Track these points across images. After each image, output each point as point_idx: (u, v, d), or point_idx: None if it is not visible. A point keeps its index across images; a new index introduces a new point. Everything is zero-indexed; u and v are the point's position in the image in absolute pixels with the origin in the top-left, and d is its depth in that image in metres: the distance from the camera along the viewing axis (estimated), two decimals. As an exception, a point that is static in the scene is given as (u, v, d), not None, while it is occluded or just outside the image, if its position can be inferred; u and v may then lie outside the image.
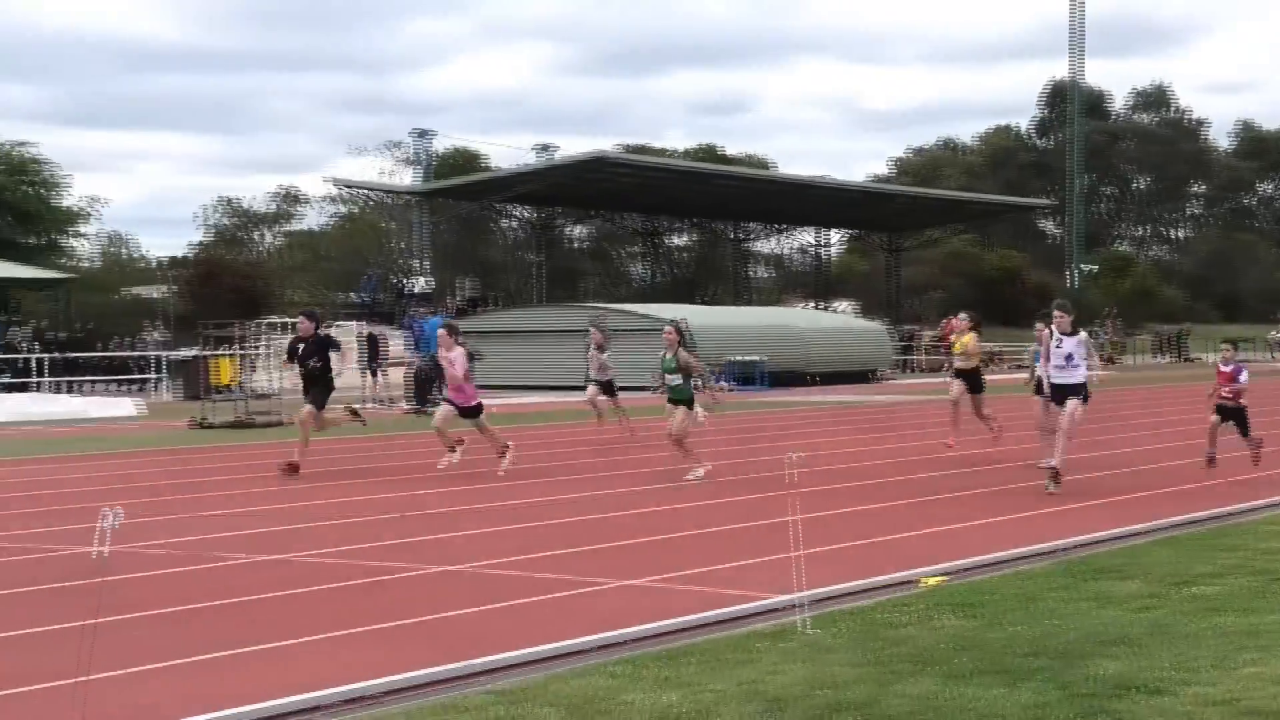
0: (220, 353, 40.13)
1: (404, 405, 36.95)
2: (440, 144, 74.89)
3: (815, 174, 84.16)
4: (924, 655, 8.37)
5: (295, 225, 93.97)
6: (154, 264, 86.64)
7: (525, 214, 78.61)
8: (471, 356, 19.27)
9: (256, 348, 43.41)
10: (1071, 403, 16.55)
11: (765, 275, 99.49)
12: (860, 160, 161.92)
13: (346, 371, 44.13)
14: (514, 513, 15.45)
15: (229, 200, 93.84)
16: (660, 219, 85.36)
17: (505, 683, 7.98)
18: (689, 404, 18.70)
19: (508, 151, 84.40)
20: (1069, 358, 16.60)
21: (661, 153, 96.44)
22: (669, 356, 18.69)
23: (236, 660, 8.63)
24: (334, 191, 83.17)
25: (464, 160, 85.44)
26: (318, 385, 20.27)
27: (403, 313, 56.48)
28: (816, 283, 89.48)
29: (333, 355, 20.40)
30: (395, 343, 44.15)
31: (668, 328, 19.22)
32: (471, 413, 19.67)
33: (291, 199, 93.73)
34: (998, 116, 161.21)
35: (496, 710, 7.33)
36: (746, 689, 7.67)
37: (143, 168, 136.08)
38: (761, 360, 48.03)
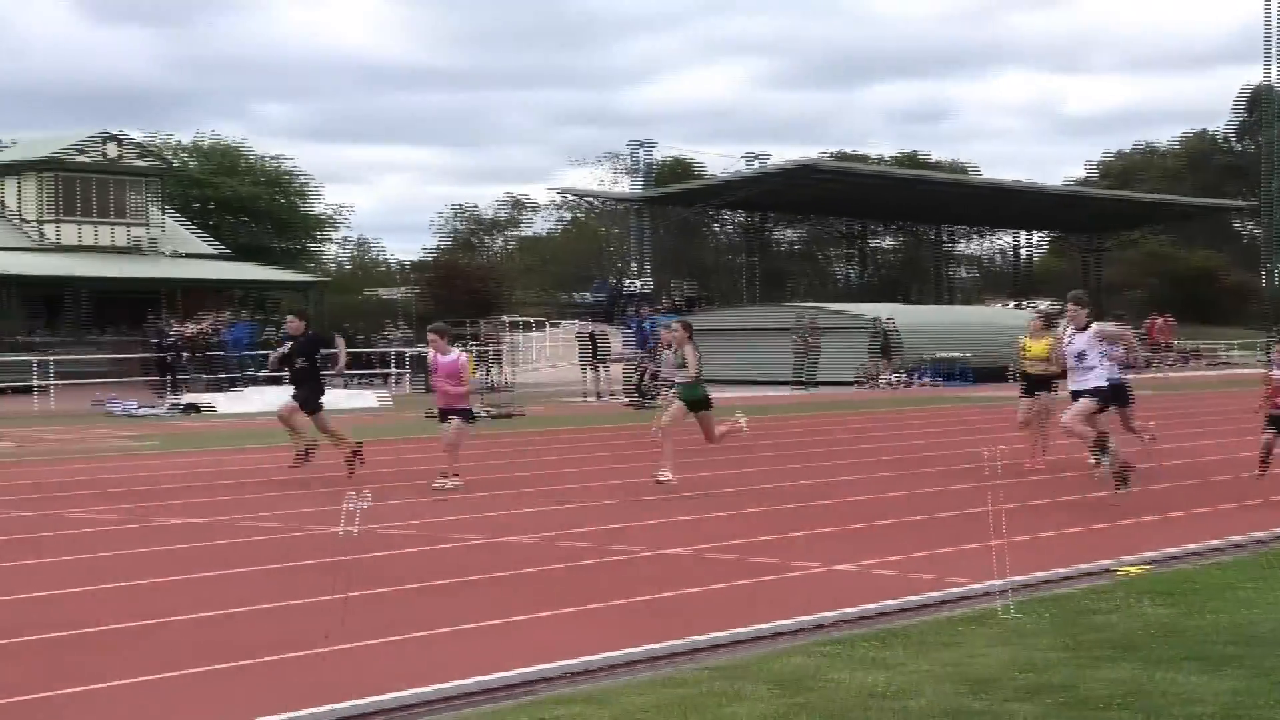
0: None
1: (624, 399, 37.22)
2: (658, 154, 75.31)
3: (1015, 178, 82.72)
4: (1124, 641, 8.18)
5: (523, 231, 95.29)
6: (395, 267, 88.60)
7: (738, 218, 78.62)
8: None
9: (487, 345, 44.22)
10: (1081, 403, 14.68)
11: (966, 275, 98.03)
12: (1059, 165, 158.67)
13: (566, 367, 45.03)
14: (723, 500, 15.46)
15: (462, 208, 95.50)
16: (865, 222, 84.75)
17: (721, 659, 8.00)
18: (703, 404, 16.76)
19: (721, 160, 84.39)
20: (1080, 356, 14.58)
21: (866, 160, 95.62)
22: (677, 354, 16.92)
23: (471, 633, 8.78)
24: (558, 199, 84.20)
25: (680, 169, 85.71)
26: (306, 385, 18.33)
27: (622, 312, 56.95)
28: (1016, 282, 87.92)
29: (335, 352, 18.87)
30: (615, 340, 44.58)
31: (674, 324, 17.36)
32: (459, 413, 17.24)
33: (519, 206, 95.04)
34: (1195, 121, 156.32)
35: (713, 685, 7.34)
36: (950, 670, 7.58)
37: (385, 178, 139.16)
38: (965, 357, 47.42)
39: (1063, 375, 16.98)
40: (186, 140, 73.19)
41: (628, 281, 64.86)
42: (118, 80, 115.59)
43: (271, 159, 72.34)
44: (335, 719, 6.79)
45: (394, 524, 13.36)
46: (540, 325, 55.63)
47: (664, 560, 11.59)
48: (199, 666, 7.93)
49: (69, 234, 51.23)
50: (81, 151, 52.04)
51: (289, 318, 19.69)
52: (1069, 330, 14.77)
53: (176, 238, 54.87)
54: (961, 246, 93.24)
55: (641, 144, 71.93)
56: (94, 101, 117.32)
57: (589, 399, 38.71)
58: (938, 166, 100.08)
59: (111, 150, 52.78)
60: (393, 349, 46.45)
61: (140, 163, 53.93)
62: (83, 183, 51.86)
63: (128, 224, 52.75)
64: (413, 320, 55.67)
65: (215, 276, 53.06)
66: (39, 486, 17.60)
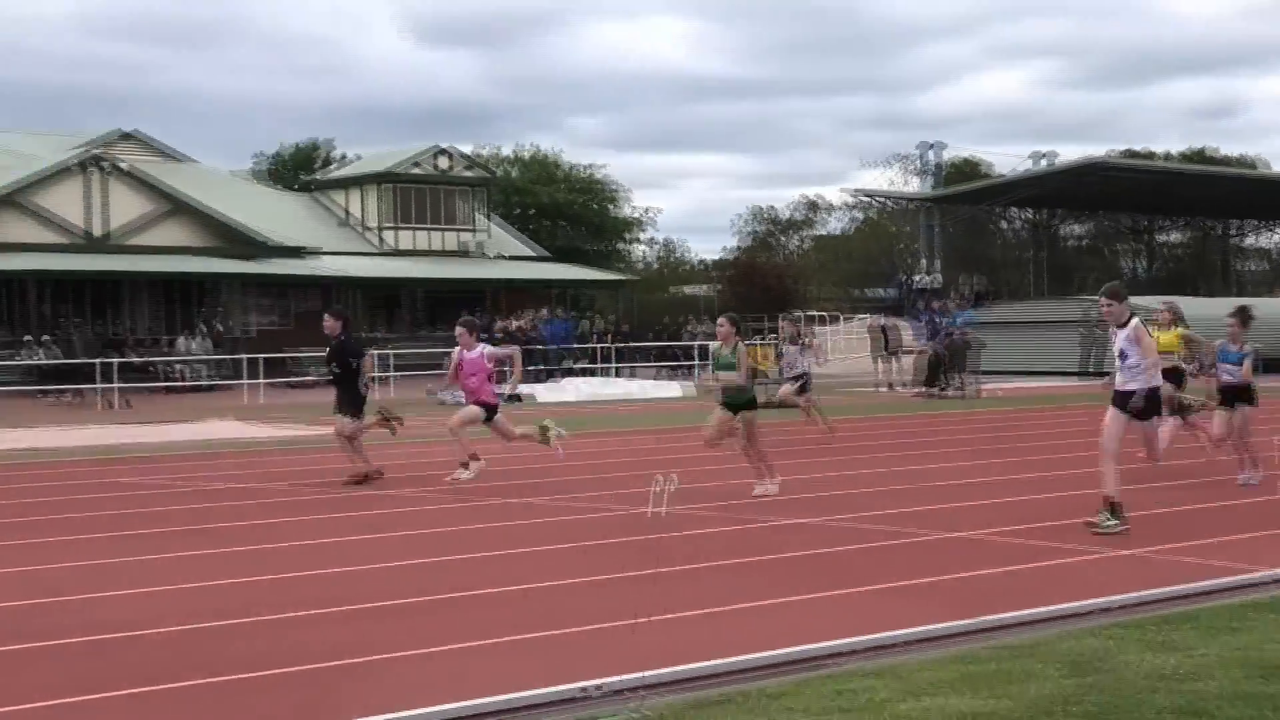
0: (754, 342, 41.04)
1: (914, 389, 36.74)
2: (946, 155, 74.04)
3: (1307, 172, 78.61)
4: None
5: (818, 230, 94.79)
6: (698, 265, 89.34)
7: (1025, 215, 76.79)
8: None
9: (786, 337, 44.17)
10: (1149, 425, 12.17)
11: (1256, 269, 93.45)
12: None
13: (859, 359, 44.67)
14: (1011, 486, 15.11)
15: (760, 209, 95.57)
16: (1152, 217, 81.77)
17: (1012, 639, 7.82)
18: (748, 407, 14.68)
19: (1009, 159, 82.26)
20: (1122, 356, 12.04)
21: (1152, 156, 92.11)
22: (726, 352, 14.69)
23: (772, 609, 8.78)
24: (851, 199, 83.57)
25: (968, 169, 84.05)
26: (341, 389, 16.88)
27: (912, 305, 56.25)
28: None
29: (363, 362, 16.91)
30: (906, 333, 44.09)
31: (721, 320, 15.00)
32: (481, 405, 16.13)
33: (814, 207, 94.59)
34: None
35: (1004, 663, 7.19)
36: (1240, 655, 7.25)
37: (689, 183, 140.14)
38: (1256, 348, 45.30)
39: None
40: (508, 152, 75.24)
41: (917, 277, 64.03)
42: (447, 98, 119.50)
43: (585, 168, 73.75)
44: (643, 685, 6.87)
45: (700, 505, 13.45)
46: (834, 319, 55.37)
47: (955, 543, 11.39)
48: (515, 635, 8.13)
49: (405, 239, 53.17)
50: (416, 165, 53.93)
51: (325, 317, 17.50)
52: (1111, 329, 12.37)
53: (500, 241, 56.38)
54: (1251, 240, 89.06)
55: (931, 145, 70.88)
56: (427, 118, 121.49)
57: (881, 389, 38.35)
58: (1226, 162, 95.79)
59: (442, 163, 54.54)
60: (696, 342, 46.86)
61: (468, 174, 55.57)
62: (417, 193, 53.75)
63: (457, 229, 54.46)
64: (715, 315, 56.09)
65: (534, 276, 54.32)
66: (394, 469, 18.25)
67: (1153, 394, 11.87)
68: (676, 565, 9.81)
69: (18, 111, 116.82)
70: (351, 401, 16.73)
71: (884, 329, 40.81)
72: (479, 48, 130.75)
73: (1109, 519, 11.55)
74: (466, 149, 59.59)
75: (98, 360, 36.19)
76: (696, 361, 45.39)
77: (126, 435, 24.98)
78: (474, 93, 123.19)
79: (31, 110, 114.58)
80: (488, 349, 16.49)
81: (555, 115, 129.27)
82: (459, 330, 16.55)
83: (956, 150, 78.04)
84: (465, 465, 16.22)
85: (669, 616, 8.19)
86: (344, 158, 70.95)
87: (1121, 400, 11.92)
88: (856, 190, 76.62)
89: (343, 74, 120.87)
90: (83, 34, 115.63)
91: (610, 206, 74.07)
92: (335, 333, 17.01)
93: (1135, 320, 12.06)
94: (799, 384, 21.70)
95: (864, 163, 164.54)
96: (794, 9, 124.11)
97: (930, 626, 8.06)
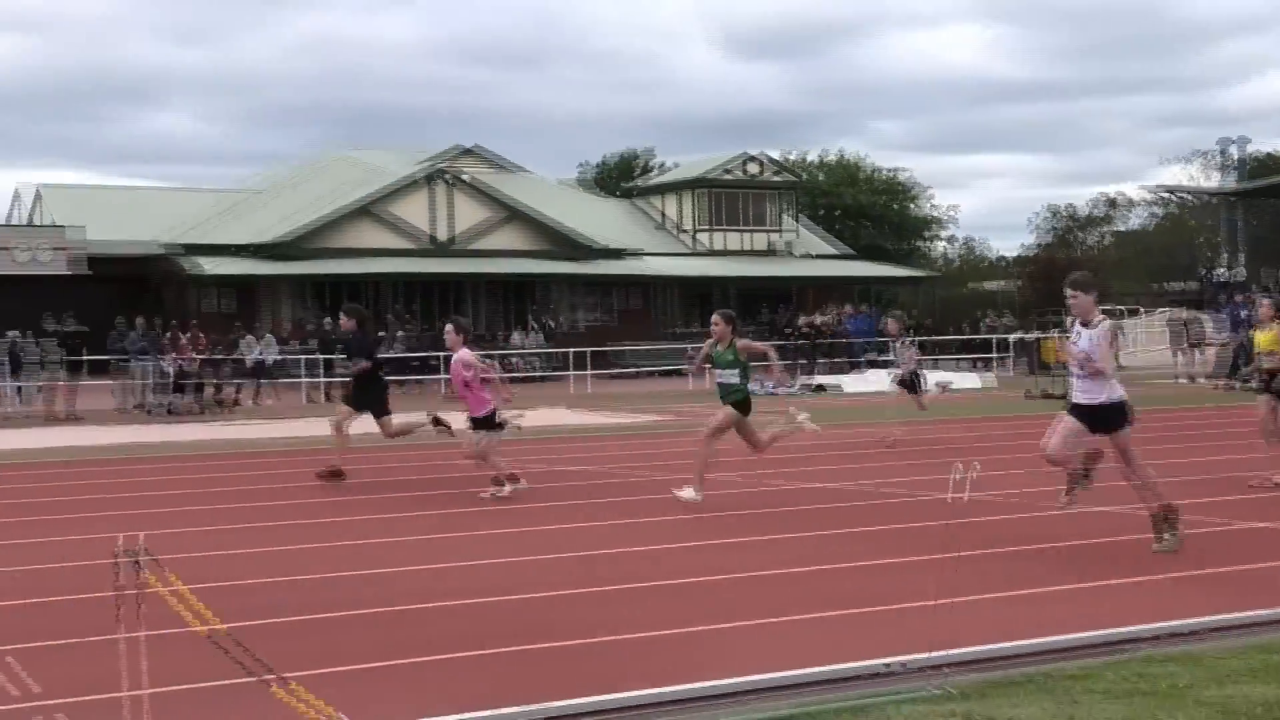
0: (1053, 335, 39.83)
1: (1216, 380, 35.07)
2: (1250, 150, 70.38)
3: None
4: None
5: (1117, 226, 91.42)
6: (998, 262, 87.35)
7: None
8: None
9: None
10: (1119, 436, 10.02)
11: None
12: None
13: (1160, 352, 42.85)
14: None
15: (1059, 207, 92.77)
16: None
17: (1315, 630, 7.38)
18: (743, 406, 13.16)
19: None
20: (1088, 360, 9.87)
21: None
22: (721, 350, 13.17)
23: (1068, 594, 8.52)
24: (1150, 196, 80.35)
25: (1271, 163, 79.72)
26: (367, 391, 15.78)
27: (1212, 298, 53.75)
28: None
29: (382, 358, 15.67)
30: (1208, 325, 42.17)
31: (716, 318, 13.35)
32: (480, 423, 14.33)
33: (1113, 204, 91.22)
34: None
35: (1307, 653, 6.80)
36: None
37: (987, 183, 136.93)
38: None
39: None
40: (814, 157, 75.04)
41: (1218, 271, 61.11)
42: (756, 107, 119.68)
43: (889, 171, 72.95)
44: (946, 664, 6.75)
45: (998, 491, 13.15)
46: (1134, 313, 53.36)
47: (1250, 533, 10.84)
48: (819, 613, 8.10)
49: (718, 240, 53.64)
50: (727, 171, 54.33)
51: (341, 316, 16.36)
52: (1074, 326, 10.23)
53: (807, 241, 56.31)
54: None
55: (1233, 141, 67.49)
56: (737, 127, 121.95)
57: (1180, 380, 36.76)
58: None
59: (752, 168, 54.78)
60: (995, 335, 45.83)
61: (775, 178, 55.66)
62: (728, 197, 54.15)
63: (766, 230, 54.64)
64: (1015, 309, 54.74)
65: (839, 274, 54.04)
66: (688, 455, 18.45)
67: (1119, 406, 10.04)
68: (975, 549, 9.61)
69: (372, 130, 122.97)
70: (373, 398, 15.77)
71: (1184, 322, 39.12)
72: (786, 58, 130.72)
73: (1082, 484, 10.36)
74: (775, 155, 59.69)
75: (441, 354, 37.71)
76: (995, 354, 44.40)
77: (464, 421, 25.83)
78: (781, 101, 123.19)
79: (384, 129, 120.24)
80: (466, 354, 14.10)
81: (858, 120, 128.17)
82: (447, 329, 14.56)
83: (1259, 145, 74.07)
84: (500, 483, 14.17)
85: (968, 598, 8.03)
86: (661, 165, 72.01)
87: (1081, 414, 9.98)
88: (1157, 186, 73.77)
89: (660, 87, 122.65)
90: (429, 59, 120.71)
91: (911, 206, 73.07)
92: (352, 331, 16.03)
93: (1107, 322, 10.07)
94: (908, 385, 20.19)
95: (1163, 160, 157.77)
96: (1090, 11, 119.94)
97: (1231, 615, 7.67)
